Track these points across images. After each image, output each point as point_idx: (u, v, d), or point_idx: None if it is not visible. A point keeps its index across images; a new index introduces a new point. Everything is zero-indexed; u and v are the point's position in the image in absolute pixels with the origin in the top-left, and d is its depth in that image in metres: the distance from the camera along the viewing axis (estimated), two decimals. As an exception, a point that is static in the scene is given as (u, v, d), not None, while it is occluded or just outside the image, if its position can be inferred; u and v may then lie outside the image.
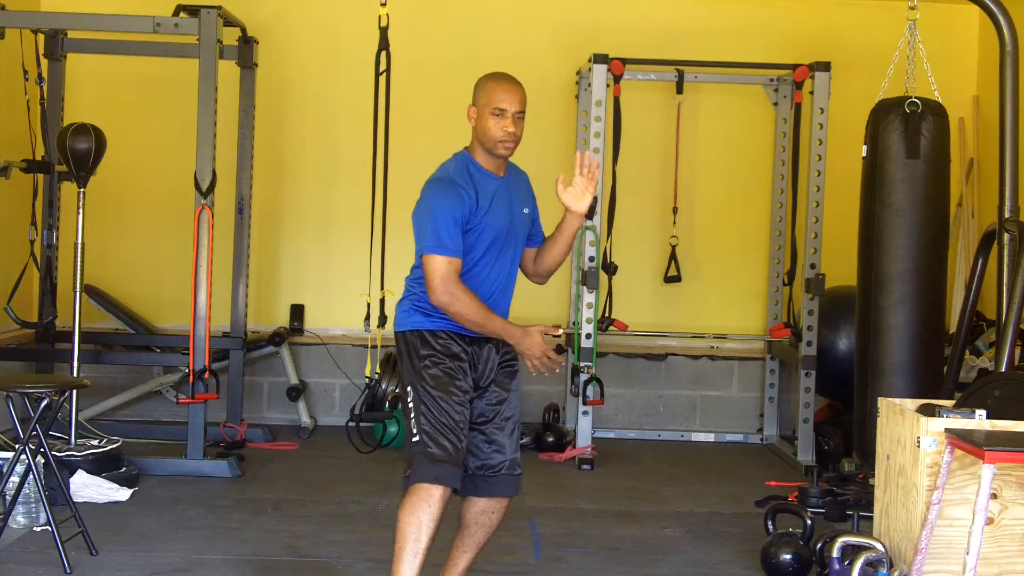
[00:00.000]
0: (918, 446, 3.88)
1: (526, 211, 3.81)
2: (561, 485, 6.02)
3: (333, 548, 4.74)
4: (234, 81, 6.76)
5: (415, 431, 3.62)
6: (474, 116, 3.70)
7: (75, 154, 5.70)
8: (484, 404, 3.75)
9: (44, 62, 6.49)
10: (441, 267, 3.57)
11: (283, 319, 7.36)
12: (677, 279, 7.20)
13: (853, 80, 6.91)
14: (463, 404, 3.65)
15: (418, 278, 3.69)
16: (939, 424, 3.85)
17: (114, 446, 5.60)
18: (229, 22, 6.28)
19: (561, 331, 3.82)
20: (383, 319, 5.83)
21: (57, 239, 6.59)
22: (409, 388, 3.67)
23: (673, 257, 7.18)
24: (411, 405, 3.65)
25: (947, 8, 7.17)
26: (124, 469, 5.57)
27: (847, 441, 6.28)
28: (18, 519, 4.80)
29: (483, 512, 3.81)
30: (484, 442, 3.75)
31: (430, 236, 3.59)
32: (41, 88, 6.38)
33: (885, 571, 3.94)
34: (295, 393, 7.07)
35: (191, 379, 5.83)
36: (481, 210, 3.65)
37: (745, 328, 7.37)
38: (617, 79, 6.68)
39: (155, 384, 7.11)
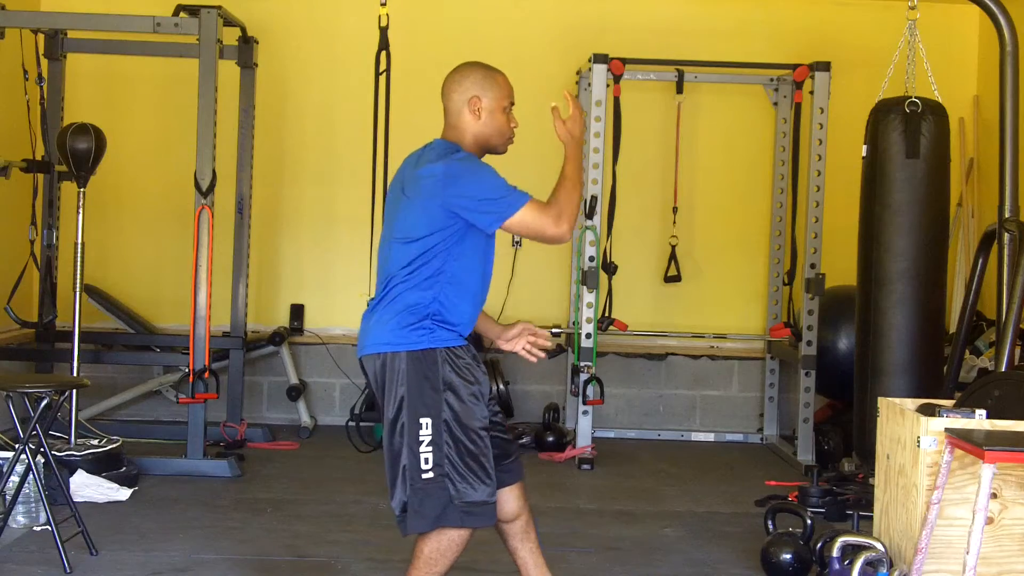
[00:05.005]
0: (918, 446, 3.88)
1: None
2: (561, 485, 6.02)
3: (333, 548, 4.74)
4: (234, 81, 6.75)
5: (426, 467, 3.38)
6: (480, 110, 3.50)
7: (75, 154, 5.70)
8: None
9: (44, 62, 6.48)
10: (536, 212, 3.37)
11: (283, 319, 7.36)
12: (677, 279, 7.20)
13: (853, 80, 6.91)
14: (487, 429, 3.45)
15: (434, 278, 3.41)
16: (939, 424, 3.85)
17: (114, 446, 5.60)
18: (229, 22, 6.28)
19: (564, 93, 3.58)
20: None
21: (57, 239, 6.59)
22: (425, 421, 3.38)
23: (673, 257, 7.18)
24: (423, 439, 3.38)
25: (947, 8, 7.17)
26: (124, 469, 5.57)
27: (847, 441, 6.27)
28: (18, 519, 4.80)
29: (518, 498, 3.64)
30: (502, 435, 3.60)
31: (510, 192, 3.38)
32: (41, 88, 6.37)
33: (885, 571, 3.94)
34: (295, 393, 7.07)
35: (191, 379, 5.83)
36: None
37: (745, 328, 7.37)
38: (617, 79, 6.68)
39: (155, 384, 7.11)
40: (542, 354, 3.69)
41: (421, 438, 3.39)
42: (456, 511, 3.38)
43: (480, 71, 3.57)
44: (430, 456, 3.39)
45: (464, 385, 3.42)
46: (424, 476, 3.39)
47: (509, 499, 3.62)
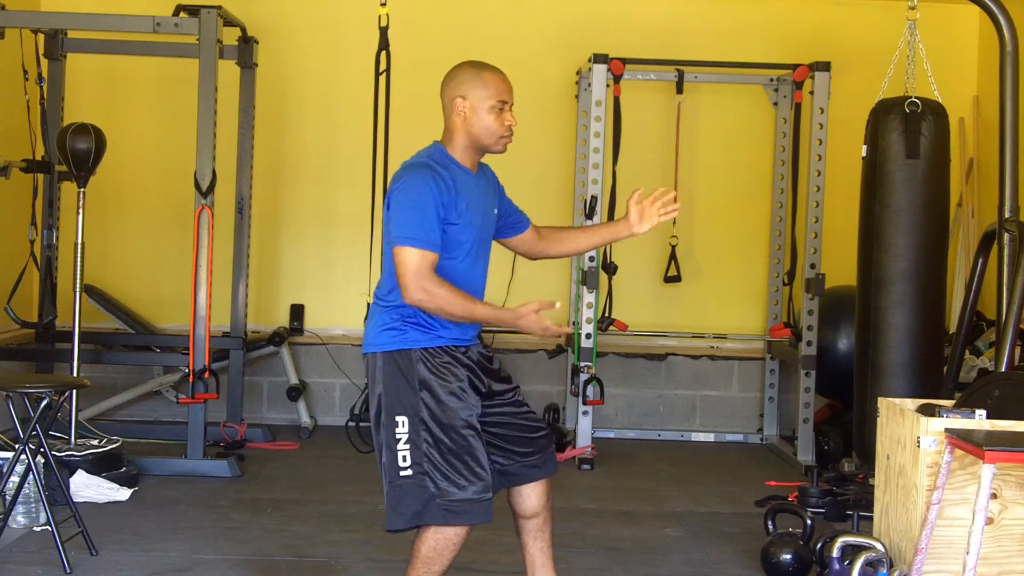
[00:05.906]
0: (918, 446, 3.88)
1: (495, 211, 3.62)
2: (561, 485, 6.00)
3: (333, 548, 4.74)
4: (234, 81, 6.75)
5: (404, 464, 3.37)
6: (465, 110, 3.48)
7: (75, 154, 5.70)
8: (502, 403, 3.58)
9: (44, 62, 6.49)
10: (413, 261, 3.30)
11: (283, 319, 7.36)
12: (677, 279, 7.20)
13: (853, 80, 6.91)
14: (475, 428, 3.42)
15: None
16: (939, 424, 3.85)
17: (114, 446, 5.60)
18: (229, 22, 6.28)
19: (558, 305, 3.49)
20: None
21: (57, 239, 6.59)
22: (401, 419, 3.39)
23: (673, 257, 7.18)
24: (399, 436, 3.38)
25: (947, 8, 7.17)
26: (124, 469, 5.57)
27: (847, 441, 6.27)
28: (18, 519, 4.80)
29: (541, 496, 3.62)
30: (525, 434, 3.58)
31: (401, 226, 3.33)
32: (41, 88, 6.38)
33: (885, 571, 3.94)
34: (295, 393, 7.07)
35: (191, 379, 5.83)
36: (460, 205, 3.41)
37: (745, 328, 7.37)
38: (617, 79, 6.68)
39: (155, 384, 7.11)
40: (674, 210, 3.78)
41: (398, 436, 3.39)
42: (438, 509, 3.36)
43: (467, 71, 3.54)
44: (407, 454, 3.38)
45: (440, 384, 3.40)
46: (402, 474, 3.39)
47: (531, 495, 3.61)
